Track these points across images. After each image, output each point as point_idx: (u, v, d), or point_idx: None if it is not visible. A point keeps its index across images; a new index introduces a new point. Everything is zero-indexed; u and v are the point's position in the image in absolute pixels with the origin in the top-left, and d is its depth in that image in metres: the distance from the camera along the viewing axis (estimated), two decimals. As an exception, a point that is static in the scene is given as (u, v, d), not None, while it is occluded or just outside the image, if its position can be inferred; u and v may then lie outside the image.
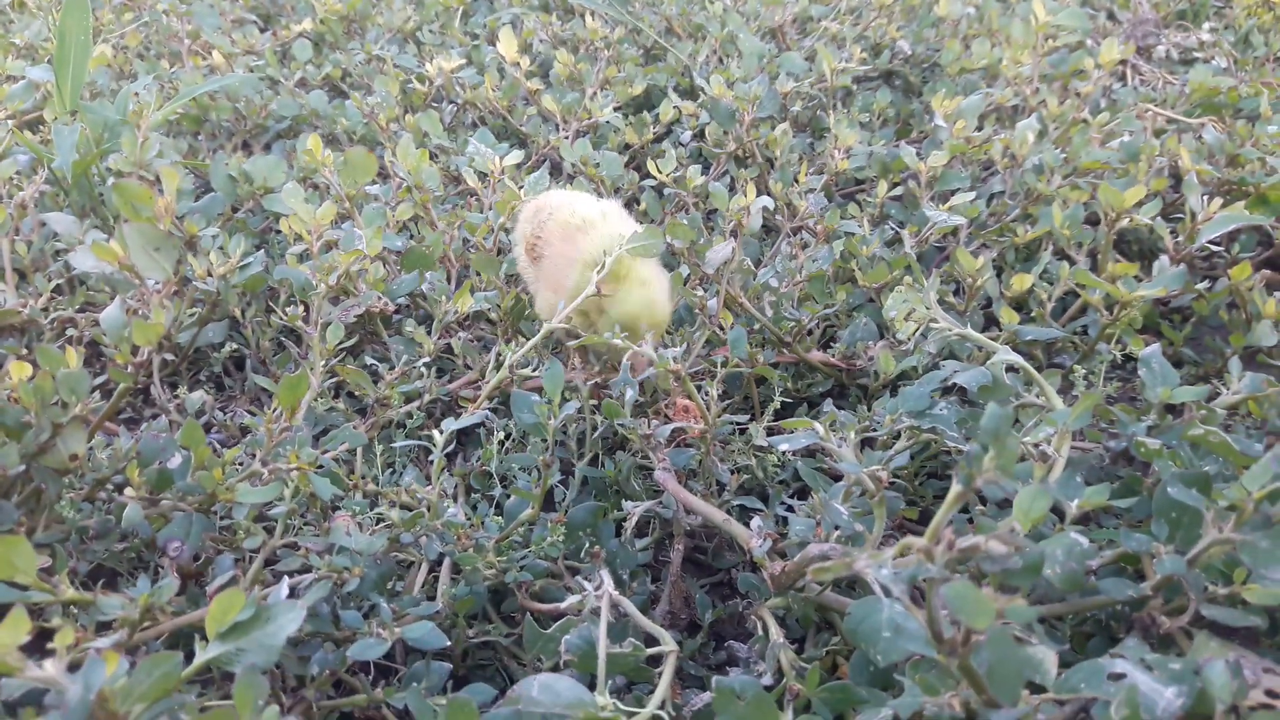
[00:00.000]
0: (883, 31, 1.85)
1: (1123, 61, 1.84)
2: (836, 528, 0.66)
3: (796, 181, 1.31)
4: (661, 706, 0.63)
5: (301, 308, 1.04)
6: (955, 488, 0.44)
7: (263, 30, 2.09)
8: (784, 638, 0.71)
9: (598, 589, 0.66)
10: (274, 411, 0.82)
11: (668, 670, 0.64)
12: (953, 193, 1.25)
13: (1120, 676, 0.50)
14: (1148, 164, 1.25)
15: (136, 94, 1.46)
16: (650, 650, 0.65)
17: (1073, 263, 1.11)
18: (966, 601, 0.40)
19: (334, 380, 1.01)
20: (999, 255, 1.24)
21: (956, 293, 1.12)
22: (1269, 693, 0.59)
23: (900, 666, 0.61)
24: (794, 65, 1.67)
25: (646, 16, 1.97)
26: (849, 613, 0.59)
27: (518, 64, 1.60)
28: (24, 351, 1.10)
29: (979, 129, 1.44)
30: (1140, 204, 1.05)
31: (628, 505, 0.79)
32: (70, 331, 1.15)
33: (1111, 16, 2.13)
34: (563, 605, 0.69)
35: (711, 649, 0.80)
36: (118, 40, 1.95)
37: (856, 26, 1.88)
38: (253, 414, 1.05)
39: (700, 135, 1.54)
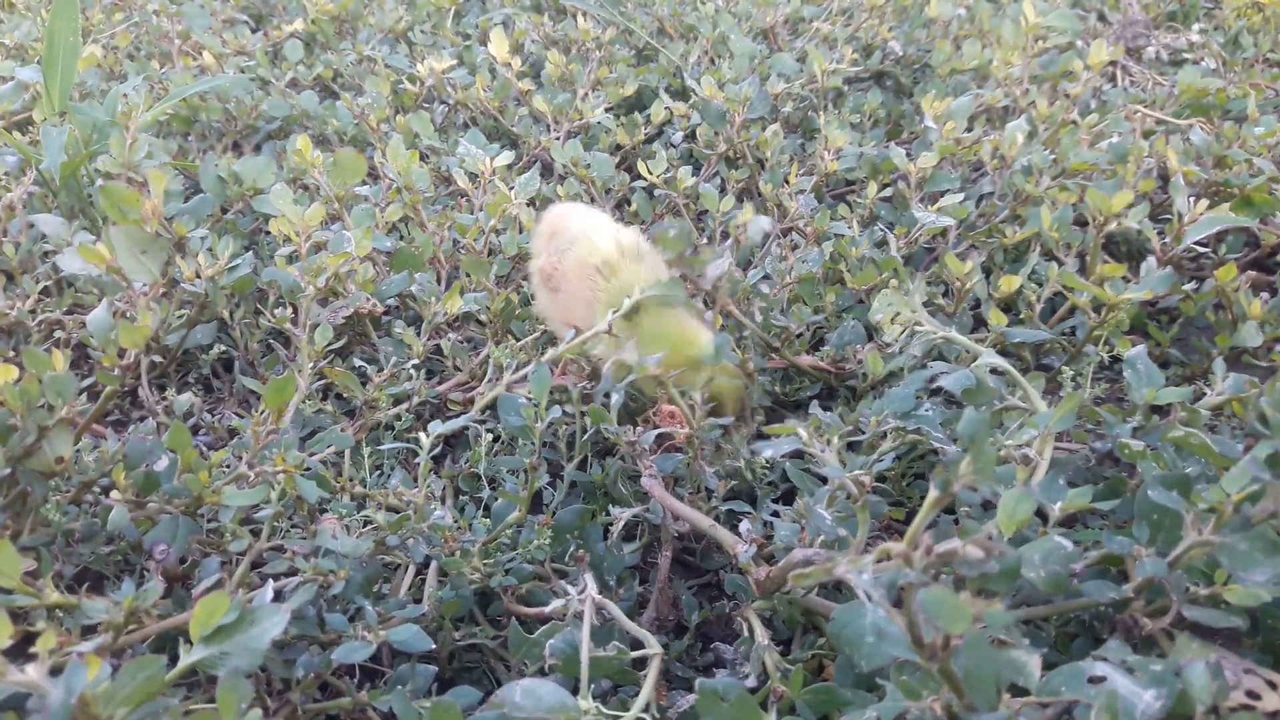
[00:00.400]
0: (874, 32, 1.86)
1: (1113, 63, 1.85)
2: (820, 533, 0.66)
3: (787, 183, 1.31)
4: (646, 709, 0.63)
5: (290, 309, 1.04)
6: (933, 493, 0.44)
7: (254, 30, 2.08)
8: (770, 640, 0.71)
9: (581, 593, 0.66)
10: (261, 414, 0.82)
11: (652, 673, 0.64)
12: (942, 194, 1.26)
13: (1100, 679, 0.50)
14: (1136, 165, 1.25)
15: (125, 95, 1.46)
16: (635, 653, 0.66)
17: (1061, 264, 1.11)
18: (943, 606, 0.40)
19: (322, 382, 1.01)
20: (988, 256, 1.25)
21: (945, 294, 1.12)
22: (1250, 694, 0.60)
23: (885, 669, 0.61)
24: (785, 66, 1.67)
25: (638, 17, 1.97)
26: (833, 617, 0.59)
27: (509, 65, 1.60)
28: (11, 354, 1.10)
29: (968, 130, 1.44)
30: (1129, 206, 1.06)
31: (615, 510, 0.80)
32: (58, 333, 1.15)
33: (1102, 18, 2.13)
34: (548, 609, 0.69)
35: (699, 651, 0.80)
36: (108, 40, 1.95)
37: (848, 27, 1.88)
38: (240, 416, 1.04)
39: (691, 136, 1.54)
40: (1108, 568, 0.69)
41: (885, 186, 1.33)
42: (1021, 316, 1.09)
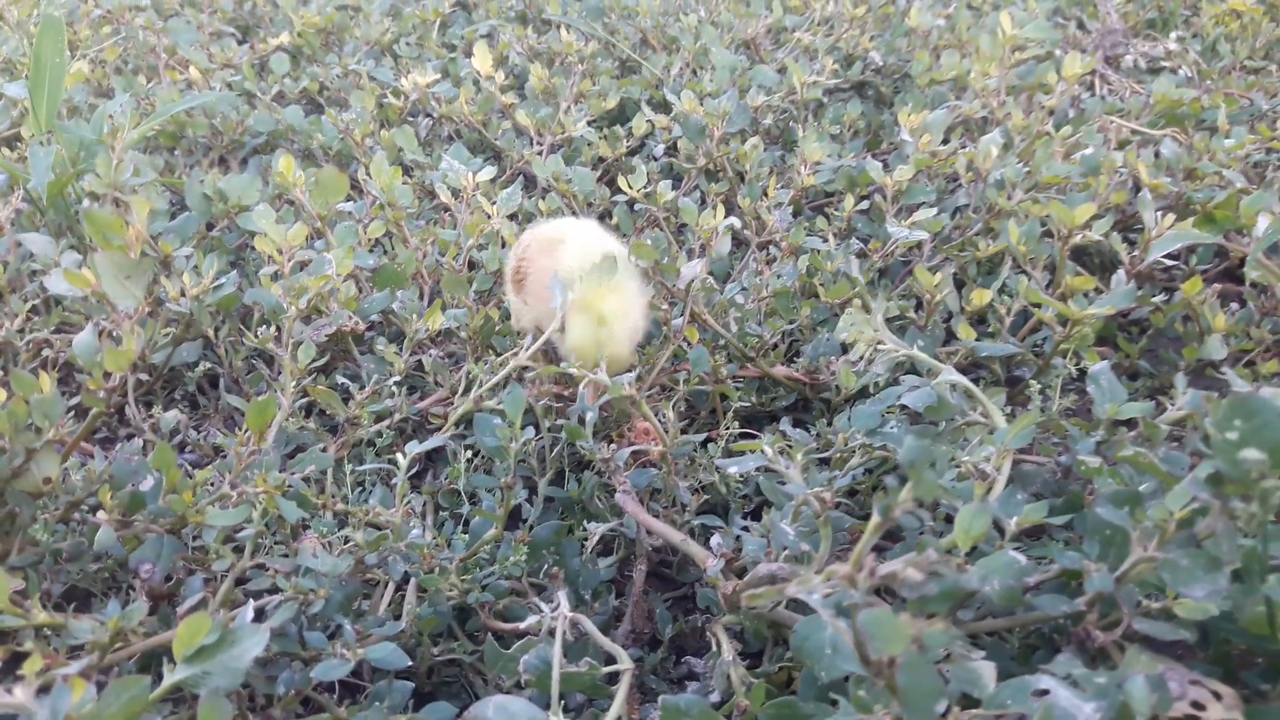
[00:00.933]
0: (855, 42, 1.88)
1: (1091, 71, 1.88)
2: (785, 547, 0.68)
3: (766, 195, 1.33)
4: (617, 722, 0.65)
5: (273, 329, 1.06)
6: (874, 518, 0.46)
7: (241, 42, 2.10)
8: (740, 652, 0.73)
9: (554, 610, 0.68)
10: (244, 434, 0.83)
11: (623, 688, 0.66)
12: (918, 207, 1.28)
13: (1044, 693, 0.52)
14: (1108, 178, 1.28)
15: (111, 115, 1.47)
16: (608, 669, 0.68)
17: (1030, 278, 1.13)
18: (882, 628, 0.42)
19: (306, 399, 1.03)
20: (961, 269, 1.27)
21: (918, 308, 1.15)
22: (1195, 704, 0.62)
23: (847, 680, 0.63)
24: (766, 78, 1.69)
25: (621, 29, 1.99)
26: (795, 631, 0.62)
27: (492, 78, 1.62)
28: (0, 374, 1.12)
29: (945, 142, 1.46)
30: (1092, 219, 1.08)
31: (590, 525, 0.82)
32: (46, 352, 1.16)
33: (1081, 26, 2.16)
34: (523, 625, 0.71)
35: (673, 663, 0.82)
36: (95, 54, 1.96)
37: (829, 37, 1.90)
38: (225, 434, 1.06)
39: (673, 149, 1.56)
40: (1067, 580, 0.71)
41: (863, 199, 1.36)
42: (991, 330, 1.11)
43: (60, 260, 1.15)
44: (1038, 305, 1.03)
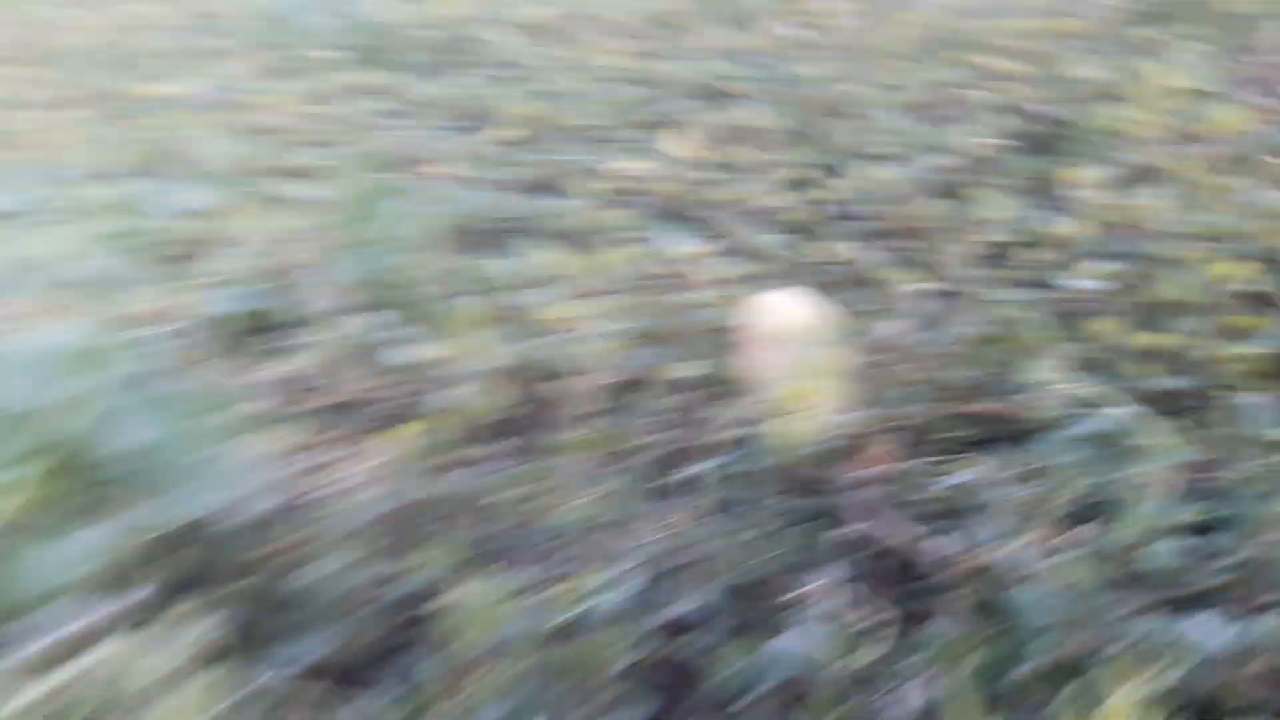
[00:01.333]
0: (1019, 96, 2.04)
1: (1254, 108, 1.94)
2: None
3: (947, 251, 1.55)
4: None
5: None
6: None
7: (466, 134, 2.51)
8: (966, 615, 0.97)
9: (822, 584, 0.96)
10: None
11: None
12: (1090, 256, 1.45)
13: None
14: (1266, 223, 1.41)
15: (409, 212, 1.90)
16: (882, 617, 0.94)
17: (1193, 320, 1.30)
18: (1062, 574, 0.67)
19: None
20: (1133, 311, 1.43)
21: (1098, 348, 1.33)
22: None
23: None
24: (937, 138, 1.90)
25: (797, 99, 2.25)
26: (1009, 597, 0.87)
27: (688, 158, 1.93)
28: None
29: (1112, 192, 1.61)
30: (1250, 259, 1.24)
31: (836, 532, 1.09)
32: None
33: (1239, 59, 2.22)
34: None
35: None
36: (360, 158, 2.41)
37: (998, 94, 2.07)
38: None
39: (855, 212, 1.80)
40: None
41: (1036, 249, 1.54)
42: (1162, 369, 1.29)
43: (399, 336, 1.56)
44: (1197, 346, 1.21)
